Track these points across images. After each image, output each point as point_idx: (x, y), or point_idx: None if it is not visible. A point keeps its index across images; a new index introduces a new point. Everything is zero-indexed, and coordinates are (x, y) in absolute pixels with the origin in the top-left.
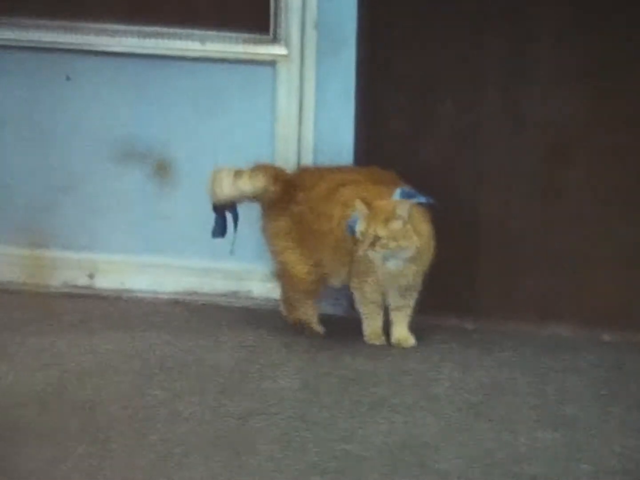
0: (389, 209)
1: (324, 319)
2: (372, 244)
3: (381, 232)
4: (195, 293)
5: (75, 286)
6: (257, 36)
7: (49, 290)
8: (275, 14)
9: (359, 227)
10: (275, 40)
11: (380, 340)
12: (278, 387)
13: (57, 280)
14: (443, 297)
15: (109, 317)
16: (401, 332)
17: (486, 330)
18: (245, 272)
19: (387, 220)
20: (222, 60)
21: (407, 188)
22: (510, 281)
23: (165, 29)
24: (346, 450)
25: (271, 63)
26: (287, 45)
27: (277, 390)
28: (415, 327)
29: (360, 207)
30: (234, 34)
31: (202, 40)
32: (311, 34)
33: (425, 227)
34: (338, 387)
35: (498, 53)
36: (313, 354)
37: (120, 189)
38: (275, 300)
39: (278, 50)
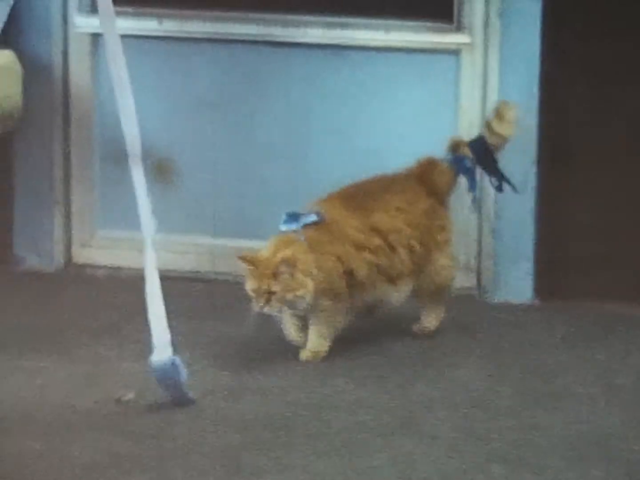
0: (274, 262)
1: (510, 308)
2: (268, 300)
3: (274, 286)
4: None
5: None
6: (441, 25)
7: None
8: (459, 3)
9: (249, 285)
10: (458, 28)
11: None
12: (461, 375)
13: None
14: (628, 286)
15: None
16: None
17: None
18: None
19: (275, 274)
20: (406, 50)
21: (294, 213)
22: None
23: (349, 19)
24: (528, 439)
25: (454, 52)
26: (471, 33)
27: (460, 379)
28: (599, 317)
29: (245, 265)
30: (417, 23)
31: (387, 29)
32: (495, 22)
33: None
34: (521, 376)
35: None
36: (496, 342)
37: None
38: (460, 288)
39: (462, 38)
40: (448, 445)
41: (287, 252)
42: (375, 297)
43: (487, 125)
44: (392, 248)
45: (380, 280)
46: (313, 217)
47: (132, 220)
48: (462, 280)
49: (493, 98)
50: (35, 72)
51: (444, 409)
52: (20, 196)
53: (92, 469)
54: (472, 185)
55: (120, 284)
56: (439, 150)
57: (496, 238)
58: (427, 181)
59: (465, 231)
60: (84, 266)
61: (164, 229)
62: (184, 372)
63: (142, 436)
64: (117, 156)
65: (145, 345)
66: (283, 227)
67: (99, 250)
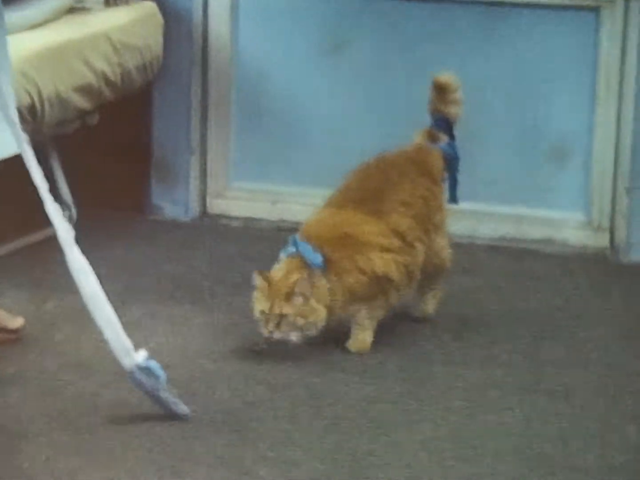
0: (289, 284)
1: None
2: (278, 325)
3: (287, 309)
4: (512, 240)
5: None
6: None
7: None
8: None
9: (259, 306)
10: None
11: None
12: (593, 335)
13: None
14: None
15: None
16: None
17: None
18: (561, 220)
19: (288, 297)
20: (545, 6)
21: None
22: None
23: None
24: None
25: (594, 9)
26: None
27: (592, 339)
28: None
29: (259, 283)
30: None
31: None
32: None
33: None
34: None
35: None
36: (629, 303)
37: None
38: (593, 248)
39: None
40: (581, 404)
41: (302, 274)
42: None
43: (439, 99)
44: (412, 246)
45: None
46: (316, 262)
47: (266, 173)
48: (595, 240)
49: (632, 58)
50: (175, 24)
51: (576, 368)
52: (157, 146)
53: (228, 414)
54: (455, 173)
55: (254, 236)
56: (575, 106)
57: (630, 197)
58: (421, 163)
59: (599, 190)
60: (218, 217)
61: None
62: (159, 377)
63: (276, 385)
64: (254, 109)
65: None
66: (292, 249)
67: (234, 201)
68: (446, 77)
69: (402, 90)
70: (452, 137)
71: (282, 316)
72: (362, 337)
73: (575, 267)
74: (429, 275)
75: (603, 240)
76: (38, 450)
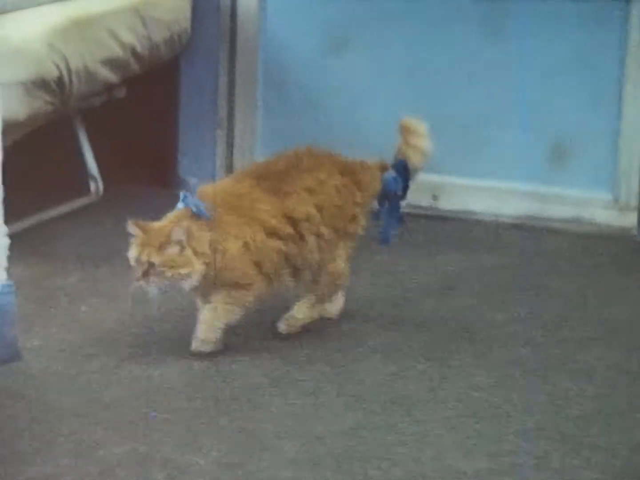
0: (165, 233)
1: None
2: (146, 273)
3: (155, 258)
4: (536, 218)
5: (420, 207)
6: None
7: None
8: None
9: (131, 253)
10: None
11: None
12: (617, 315)
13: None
14: None
15: (451, 238)
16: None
17: None
18: (587, 198)
19: (162, 246)
20: None
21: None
22: None
23: None
24: None
25: None
26: None
27: (616, 319)
28: None
29: (134, 231)
30: None
31: None
32: None
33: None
34: None
35: None
36: None
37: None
38: (619, 227)
39: None
40: (604, 383)
41: (182, 224)
42: (278, 289)
43: (406, 143)
44: (302, 237)
45: (286, 273)
46: (202, 210)
47: (292, 147)
48: (621, 220)
49: None
50: None
51: (600, 348)
52: (184, 120)
53: (250, 388)
54: (394, 213)
55: None
56: (603, 85)
57: None
58: (350, 167)
59: (627, 169)
60: None
61: None
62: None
63: (300, 361)
64: (280, 83)
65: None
66: (180, 205)
67: None
68: (410, 120)
69: (424, 71)
70: (405, 180)
71: (150, 264)
72: (205, 333)
73: (601, 246)
74: (321, 282)
75: (630, 220)
76: (61, 422)
